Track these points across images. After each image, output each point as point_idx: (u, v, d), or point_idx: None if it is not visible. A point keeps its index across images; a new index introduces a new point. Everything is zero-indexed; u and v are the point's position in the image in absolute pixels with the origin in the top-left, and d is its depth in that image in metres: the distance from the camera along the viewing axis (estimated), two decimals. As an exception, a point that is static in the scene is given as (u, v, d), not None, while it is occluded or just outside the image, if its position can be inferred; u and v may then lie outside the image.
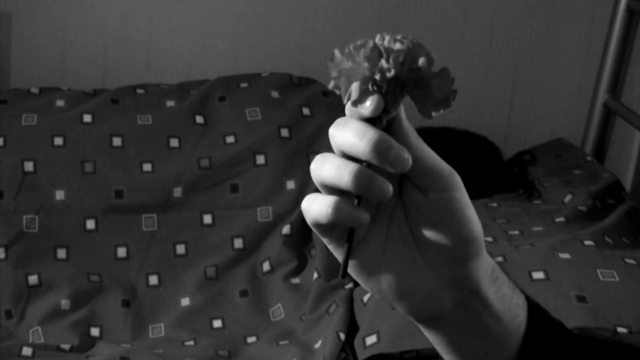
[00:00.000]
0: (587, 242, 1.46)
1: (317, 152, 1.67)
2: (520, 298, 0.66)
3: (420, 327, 0.65)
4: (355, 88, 0.57)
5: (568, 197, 1.69)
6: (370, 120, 0.57)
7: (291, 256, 1.62)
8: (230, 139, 1.71)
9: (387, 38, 0.57)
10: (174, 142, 1.70)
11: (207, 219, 1.65)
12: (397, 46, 0.56)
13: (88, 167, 1.66)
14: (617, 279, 1.35)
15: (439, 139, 1.85)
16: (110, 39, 2.01)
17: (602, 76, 1.98)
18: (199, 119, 1.73)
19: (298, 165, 1.68)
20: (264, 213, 1.65)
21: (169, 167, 1.67)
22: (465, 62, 2.11)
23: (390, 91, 0.57)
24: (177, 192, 1.66)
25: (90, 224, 1.63)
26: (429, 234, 0.61)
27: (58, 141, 1.67)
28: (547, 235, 1.51)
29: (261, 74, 1.84)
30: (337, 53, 0.58)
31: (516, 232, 1.54)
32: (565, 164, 1.88)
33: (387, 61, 0.55)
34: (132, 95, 1.78)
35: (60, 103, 1.74)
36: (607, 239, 1.50)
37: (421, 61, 0.56)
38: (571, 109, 2.16)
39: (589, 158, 1.90)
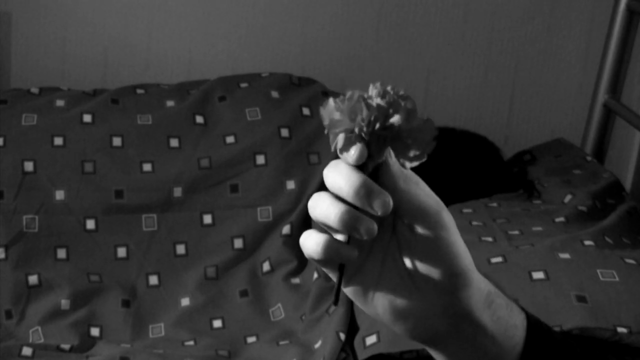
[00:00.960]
0: (587, 242, 1.46)
1: (317, 152, 1.69)
2: (519, 318, 0.70)
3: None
4: (341, 137, 0.62)
5: (568, 197, 1.69)
6: (359, 165, 0.62)
7: (291, 256, 1.62)
8: (230, 139, 1.71)
9: (375, 91, 0.61)
10: (174, 142, 1.70)
11: (207, 219, 1.65)
12: (378, 101, 0.61)
13: (88, 167, 1.66)
14: (617, 279, 1.35)
15: (439, 139, 1.85)
16: (110, 39, 2.01)
17: (602, 76, 1.98)
18: (199, 119, 1.73)
19: (298, 165, 1.68)
20: (264, 213, 1.65)
21: (169, 167, 1.67)
22: (465, 62, 2.11)
23: (374, 141, 0.62)
24: (177, 192, 1.66)
25: (90, 224, 1.63)
26: (419, 266, 0.66)
27: (58, 141, 1.67)
28: (547, 235, 1.51)
29: (261, 74, 1.84)
30: (330, 102, 0.63)
31: (516, 232, 1.54)
32: (565, 164, 1.88)
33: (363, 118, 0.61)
34: (132, 95, 1.78)
35: (60, 103, 1.74)
36: (607, 239, 1.50)
37: (395, 119, 0.61)
38: (571, 109, 2.16)
39: (589, 158, 1.90)
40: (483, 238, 1.47)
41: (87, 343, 1.49)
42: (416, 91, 2.12)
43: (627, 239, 1.54)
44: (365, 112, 0.61)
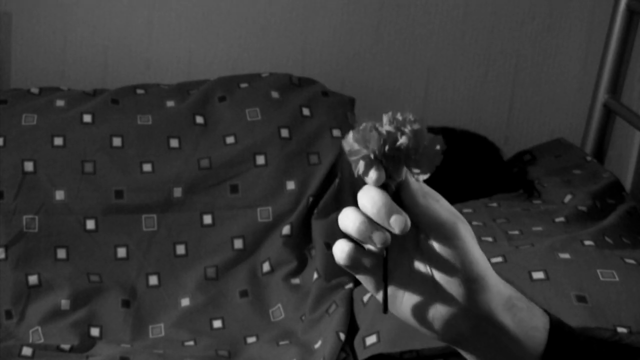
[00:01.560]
0: (587, 242, 1.46)
1: (317, 152, 1.69)
2: (541, 320, 0.77)
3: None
4: (361, 163, 0.72)
5: (568, 197, 1.69)
6: (382, 186, 0.72)
7: (291, 256, 1.62)
8: (230, 139, 1.71)
9: (386, 118, 0.71)
10: (174, 142, 1.70)
11: (207, 219, 1.65)
12: (387, 127, 0.70)
13: (88, 167, 1.66)
14: (617, 279, 1.35)
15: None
16: (110, 39, 2.01)
17: (602, 76, 1.98)
18: (199, 119, 1.73)
19: (298, 165, 1.68)
20: (264, 213, 1.65)
21: (169, 167, 1.67)
22: (465, 62, 2.11)
23: (390, 163, 0.71)
24: (177, 192, 1.66)
25: (90, 224, 1.63)
26: (438, 273, 0.73)
27: (58, 141, 1.67)
28: (547, 235, 1.51)
29: (261, 74, 1.84)
30: (349, 134, 0.72)
31: (516, 232, 1.54)
32: (565, 164, 1.88)
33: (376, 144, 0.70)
34: (132, 95, 1.78)
35: (60, 103, 1.74)
36: (607, 239, 1.50)
37: (402, 141, 0.70)
38: (571, 109, 2.16)
39: (589, 158, 1.90)
40: (483, 238, 1.47)
41: (87, 343, 1.49)
42: (416, 91, 2.12)
43: (627, 239, 1.54)
44: (375, 138, 0.70)
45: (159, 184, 1.66)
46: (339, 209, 1.67)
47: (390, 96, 2.11)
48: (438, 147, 0.73)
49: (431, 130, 2.10)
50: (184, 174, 1.67)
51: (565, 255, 1.39)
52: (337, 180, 1.69)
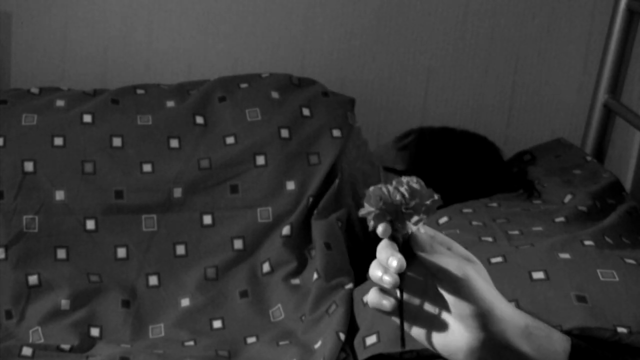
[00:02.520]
0: (587, 242, 1.46)
1: (317, 153, 1.69)
2: (562, 345, 0.85)
3: None
4: (371, 220, 0.84)
5: (568, 197, 1.69)
6: (392, 238, 0.84)
7: (291, 257, 1.62)
8: (230, 140, 1.71)
9: (394, 182, 0.84)
10: (174, 143, 1.70)
11: (207, 219, 1.65)
12: (388, 188, 0.84)
13: (88, 167, 1.66)
14: (617, 279, 1.35)
15: (439, 139, 1.85)
16: (110, 39, 2.01)
17: (602, 76, 1.98)
18: (199, 120, 1.73)
19: (298, 165, 1.68)
20: (264, 214, 1.65)
21: (169, 168, 1.67)
22: (465, 62, 2.11)
23: (395, 218, 0.83)
24: (177, 192, 1.66)
25: (90, 224, 1.63)
26: (453, 310, 0.84)
27: (58, 141, 1.67)
28: (547, 235, 1.50)
29: (261, 74, 1.84)
30: (366, 195, 0.85)
31: (516, 232, 1.54)
32: (565, 164, 1.88)
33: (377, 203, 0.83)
34: (132, 95, 1.78)
35: (60, 103, 1.74)
36: (607, 239, 1.50)
37: (397, 198, 0.83)
38: (571, 109, 2.16)
39: (589, 158, 1.90)
40: (483, 238, 1.47)
41: (87, 343, 1.50)
42: (416, 91, 2.12)
43: (627, 239, 1.54)
44: (376, 196, 0.83)
45: (159, 184, 1.66)
46: (339, 209, 1.67)
47: (390, 96, 2.11)
48: (434, 197, 0.84)
49: (431, 130, 2.09)
50: (184, 174, 1.67)
51: (565, 255, 1.39)
52: (337, 181, 1.69)
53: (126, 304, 1.57)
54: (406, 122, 2.05)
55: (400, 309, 0.86)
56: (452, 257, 0.84)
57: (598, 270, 1.36)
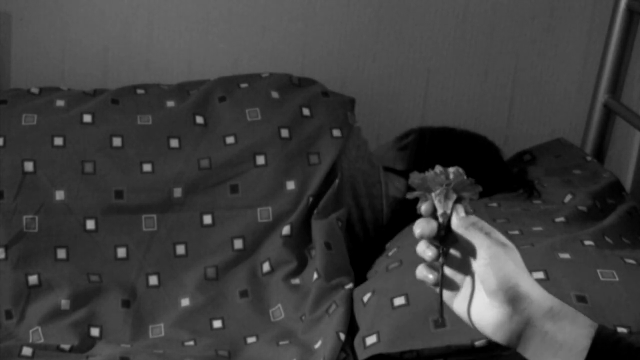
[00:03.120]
0: (587, 242, 1.46)
1: (317, 152, 1.69)
2: (587, 329, 0.91)
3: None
4: (421, 202, 0.98)
5: (568, 197, 1.69)
6: (434, 215, 0.96)
7: (291, 257, 1.62)
8: (230, 140, 1.71)
9: (440, 168, 0.98)
10: (174, 143, 1.70)
11: (207, 219, 1.65)
12: (435, 171, 0.98)
13: (88, 167, 1.66)
14: (617, 279, 1.35)
15: (439, 139, 1.85)
16: (110, 39, 2.01)
17: (602, 76, 1.98)
18: (199, 119, 1.73)
19: (298, 165, 1.68)
20: (264, 213, 1.65)
21: (169, 168, 1.67)
22: (465, 62, 2.11)
23: (438, 200, 0.95)
24: (177, 192, 1.66)
25: (90, 224, 1.63)
26: (484, 287, 0.93)
27: (58, 141, 1.67)
28: (547, 235, 1.50)
29: (261, 74, 1.84)
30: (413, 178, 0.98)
31: (516, 232, 1.54)
32: (565, 164, 1.88)
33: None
34: (132, 95, 1.78)
35: (60, 103, 1.74)
36: (607, 239, 1.50)
37: (441, 178, 0.97)
38: (571, 109, 2.16)
39: (589, 158, 1.90)
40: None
41: (87, 343, 1.50)
42: (416, 91, 2.12)
43: (627, 239, 1.54)
44: (422, 182, 0.97)
45: (159, 184, 1.66)
46: (339, 209, 1.67)
47: (390, 96, 2.11)
48: (473, 184, 0.97)
49: (431, 130, 2.09)
50: (184, 174, 1.67)
51: (565, 255, 1.39)
52: (337, 180, 1.69)
53: (126, 303, 1.57)
54: (406, 122, 2.06)
55: (441, 282, 0.95)
56: (486, 239, 0.93)
57: (598, 270, 1.36)
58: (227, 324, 1.56)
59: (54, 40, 1.99)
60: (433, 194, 0.96)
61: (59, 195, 1.63)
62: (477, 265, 0.93)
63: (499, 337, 0.94)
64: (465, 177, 0.97)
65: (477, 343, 1.32)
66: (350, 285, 1.54)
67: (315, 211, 1.65)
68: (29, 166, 1.64)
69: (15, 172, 1.63)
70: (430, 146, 1.82)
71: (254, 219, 1.65)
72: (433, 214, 0.96)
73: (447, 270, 0.96)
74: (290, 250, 1.62)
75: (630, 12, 1.92)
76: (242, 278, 1.61)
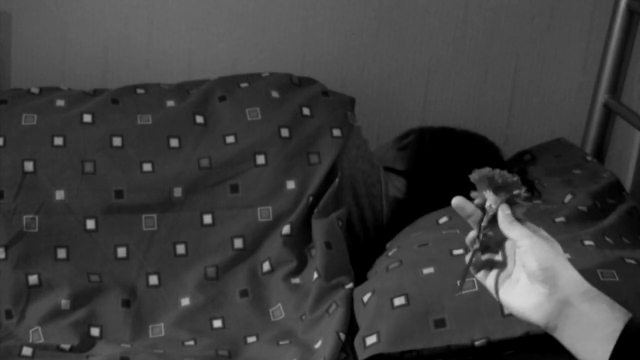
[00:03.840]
0: (587, 242, 1.46)
1: (317, 152, 1.69)
2: (622, 314, 0.96)
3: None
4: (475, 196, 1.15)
5: (568, 197, 1.69)
6: (482, 210, 1.13)
7: (291, 256, 1.62)
8: (230, 139, 1.71)
9: (497, 170, 1.13)
10: (174, 142, 1.70)
11: (207, 219, 1.65)
12: (493, 170, 1.14)
13: (88, 167, 1.66)
14: (617, 278, 1.35)
15: (439, 139, 1.85)
16: (110, 39, 2.01)
17: (602, 76, 1.98)
18: (199, 119, 1.73)
19: (298, 165, 1.68)
20: (264, 213, 1.65)
21: (169, 167, 1.67)
22: (465, 62, 2.11)
23: (489, 196, 1.13)
24: (177, 192, 1.66)
25: (91, 224, 1.63)
26: (526, 270, 1.03)
27: (58, 141, 1.67)
28: (547, 235, 1.50)
29: (261, 74, 1.84)
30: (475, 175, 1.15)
31: (516, 232, 1.53)
32: (565, 164, 1.88)
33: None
34: (132, 95, 1.78)
35: (60, 103, 1.74)
36: (607, 239, 1.49)
37: (494, 177, 1.12)
38: (571, 109, 2.16)
39: (589, 158, 1.90)
40: (483, 238, 1.47)
41: (87, 343, 1.50)
42: (416, 91, 2.12)
43: (627, 239, 1.54)
44: (480, 178, 1.13)
45: (159, 184, 1.66)
46: (339, 208, 1.67)
47: (390, 96, 2.11)
48: (520, 188, 1.12)
49: (431, 130, 2.09)
50: (184, 173, 1.67)
51: (565, 255, 1.39)
52: (337, 180, 1.69)
53: (126, 303, 1.57)
54: (406, 122, 2.05)
55: (470, 262, 1.10)
56: (528, 231, 1.04)
57: (598, 270, 1.36)
58: (227, 323, 1.56)
59: (54, 40, 1.99)
60: (485, 192, 1.12)
61: (59, 195, 1.63)
62: (519, 252, 1.03)
63: (538, 317, 1.00)
64: (513, 180, 1.12)
65: (477, 343, 1.32)
66: (350, 285, 1.54)
67: (315, 211, 1.65)
68: (29, 166, 1.64)
69: (15, 172, 1.63)
70: (430, 146, 1.82)
71: (254, 219, 1.65)
72: (482, 208, 1.12)
73: (488, 255, 1.10)
74: (290, 250, 1.62)
75: (630, 12, 1.92)
76: (242, 278, 1.61)
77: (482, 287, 1.21)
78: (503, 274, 1.08)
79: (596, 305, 0.98)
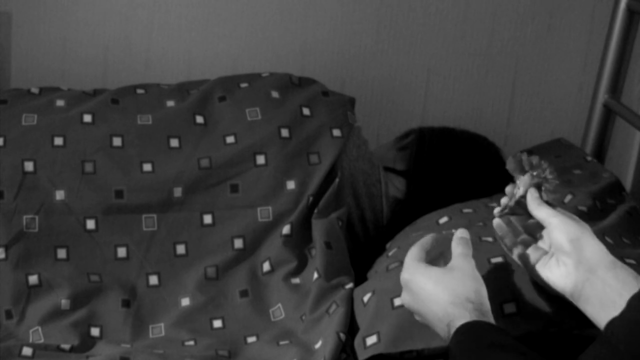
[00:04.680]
0: (587, 242, 1.46)
1: (317, 152, 1.69)
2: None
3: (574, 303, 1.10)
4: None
5: (568, 197, 1.69)
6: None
7: (291, 256, 1.62)
8: (230, 139, 1.71)
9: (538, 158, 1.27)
10: (174, 142, 1.70)
11: (207, 219, 1.65)
12: (531, 159, 1.28)
13: (88, 167, 1.66)
14: (617, 278, 1.35)
15: (439, 139, 1.85)
16: (110, 39, 2.01)
17: (602, 76, 1.98)
18: (199, 119, 1.73)
19: (298, 165, 1.68)
20: (264, 213, 1.65)
21: (169, 167, 1.67)
22: (465, 62, 2.11)
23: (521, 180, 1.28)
24: (177, 192, 1.66)
25: (91, 224, 1.63)
26: (554, 246, 1.15)
27: (58, 141, 1.67)
28: (547, 235, 1.50)
29: (261, 74, 1.84)
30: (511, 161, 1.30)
31: (516, 232, 1.53)
32: (565, 164, 1.88)
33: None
34: (132, 95, 1.78)
35: (60, 103, 1.74)
36: (607, 239, 1.49)
37: (532, 162, 1.28)
38: (571, 109, 2.16)
39: (589, 158, 1.90)
40: (483, 238, 1.47)
41: (87, 343, 1.50)
42: (416, 91, 2.12)
43: (627, 239, 1.54)
44: (516, 164, 1.27)
45: (159, 184, 1.66)
46: (339, 208, 1.67)
47: (390, 96, 2.11)
48: (556, 179, 1.24)
49: (431, 130, 2.09)
50: (184, 173, 1.67)
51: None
52: (337, 180, 1.69)
53: (126, 303, 1.57)
54: (406, 122, 2.06)
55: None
56: (557, 212, 1.15)
57: (598, 270, 1.36)
58: (227, 323, 1.56)
59: (54, 40, 1.99)
60: (521, 176, 1.24)
61: (59, 195, 1.63)
62: (547, 231, 1.14)
63: (564, 285, 1.07)
64: (548, 171, 1.23)
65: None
66: (350, 285, 1.54)
67: (315, 211, 1.65)
68: (29, 166, 1.64)
69: (15, 172, 1.63)
70: (430, 146, 1.82)
71: (254, 219, 1.65)
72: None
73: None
74: (290, 250, 1.62)
75: (630, 12, 1.92)
76: (242, 278, 1.61)
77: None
78: (531, 249, 1.19)
79: (621, 275, 1.03)
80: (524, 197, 1.24)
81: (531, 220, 1.23)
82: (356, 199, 1.73)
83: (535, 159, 1.26)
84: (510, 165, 1.27)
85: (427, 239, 1.22)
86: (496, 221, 1.26)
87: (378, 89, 2.10)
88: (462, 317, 1.07)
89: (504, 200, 1.27)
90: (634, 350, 0.91)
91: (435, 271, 1.16)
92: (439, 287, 1.12)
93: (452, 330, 1.06)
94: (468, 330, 1.05)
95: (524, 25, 2.10)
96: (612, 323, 0.96)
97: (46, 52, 2.00)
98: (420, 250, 1.21)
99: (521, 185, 1.27)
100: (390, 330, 1.36)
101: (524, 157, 1.25)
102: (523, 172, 1.26)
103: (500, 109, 2.15)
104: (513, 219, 1.27)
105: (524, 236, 1.24)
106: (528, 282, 1.33)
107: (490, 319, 1.09)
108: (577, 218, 1.14)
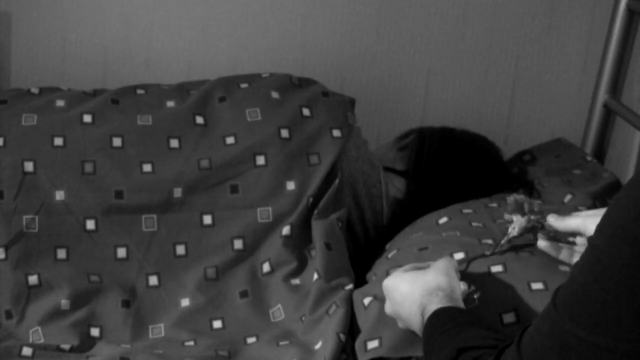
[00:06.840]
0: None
1: (317, 153, 1.69)
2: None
3: None
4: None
5: (568, 197, 1.69)
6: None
7: (291, 257, 1.62)
8: (230, 140, 1.71)
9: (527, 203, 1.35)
10: (174, 143, 1.70)
11: (207, 219, 1.65)
12: (529, 200, 1.37)
13: (88, 167, 1.66)
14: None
15: (439, 139, 1.85)
16: (110, 39, 2.01)
17: (602, 76, 1.98)
18: (199, 119, 1.73)
19: (298, 165, 1.68)
20: (264, 214, 1.65)
21: (169, 168, 1.67)
22: (465, 62, 2.11)
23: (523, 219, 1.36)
24: (177, 192, 1.66)
25: (90, 224, 1.63)
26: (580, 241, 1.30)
27: (58, 141, 1.67)
28: (546, 236, 1.50)
29: (261, 74, 1.84)
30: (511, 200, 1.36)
31: (516, 233, 1.53)
32: (565, 164, 1.88)
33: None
34: (132, 95, 1.78)
35: (60, 103, 1.74)
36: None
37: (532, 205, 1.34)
38: (571, 109, 2.16)
39: (589, 158, 1.90)
40: (483, 240, 1.47)
41: (87, 343, 1.50)
42: (416, 91, 2.12)
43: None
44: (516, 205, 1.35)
45: (159, 184, 1.66)
46: (339, 209, 1.67)
47: (390, 96, 2.11)
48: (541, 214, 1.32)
49: (431, 130, 2.09)
50: (184, 174, 1.67)
51: (565, 268, 1.38)
52: (337, 180, 1.69)
53: (126, 304, 1.57)
54: (406, 122, 2.06)
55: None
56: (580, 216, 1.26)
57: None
58: (227, 324, 1.56)
59: (54, 40, 1.99)
60: (519, 216, 1.32)
61: (59, 195, 1.63)
62: (586, 230, 1.23)
63: None
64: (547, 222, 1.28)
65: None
66: (350, 286, 1.54)
67: (315, 211, 1.65)
68: (29, 166, 1.64)
69: (15, 172, 1.63)
70: (430, 146, 1.82)
71: (254, 219, 1.65)
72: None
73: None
74: (290, 251, 1.62)
75: (630, 12, 1.92)
76: (242, 278, 1.61)
77: (481, 302, 1.26)
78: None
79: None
80: (517, 237, 1.33)
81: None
82: (356, 199, 1.73)
83: (537, 206, 1.31)
84: (510, 207, 1.31)
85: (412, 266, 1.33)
86: (542, 243, 1.32)
87: (378, 89, 2.10)
88: (433, 304, 1.17)
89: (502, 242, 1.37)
90: (575, 318, 0.94)
91: (411, 274, 1.25)
92: (413, 285, 1.22)
93: (426, 317, 1.15)
94: (437, 314, 1.14)
95: (524, 25, 2.10)
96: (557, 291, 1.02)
97: (46, 52, 2.00)
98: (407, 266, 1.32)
99: (516, 226, 1.33)
100: (393, 336, 1.36)
101: (527, 200, 1.29)
102: (522, 213, 1.32)
103: (500, 109, 2.15)
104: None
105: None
106: (527, 291, 1.33)
107: (461, 305, 1.19)
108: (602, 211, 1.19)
